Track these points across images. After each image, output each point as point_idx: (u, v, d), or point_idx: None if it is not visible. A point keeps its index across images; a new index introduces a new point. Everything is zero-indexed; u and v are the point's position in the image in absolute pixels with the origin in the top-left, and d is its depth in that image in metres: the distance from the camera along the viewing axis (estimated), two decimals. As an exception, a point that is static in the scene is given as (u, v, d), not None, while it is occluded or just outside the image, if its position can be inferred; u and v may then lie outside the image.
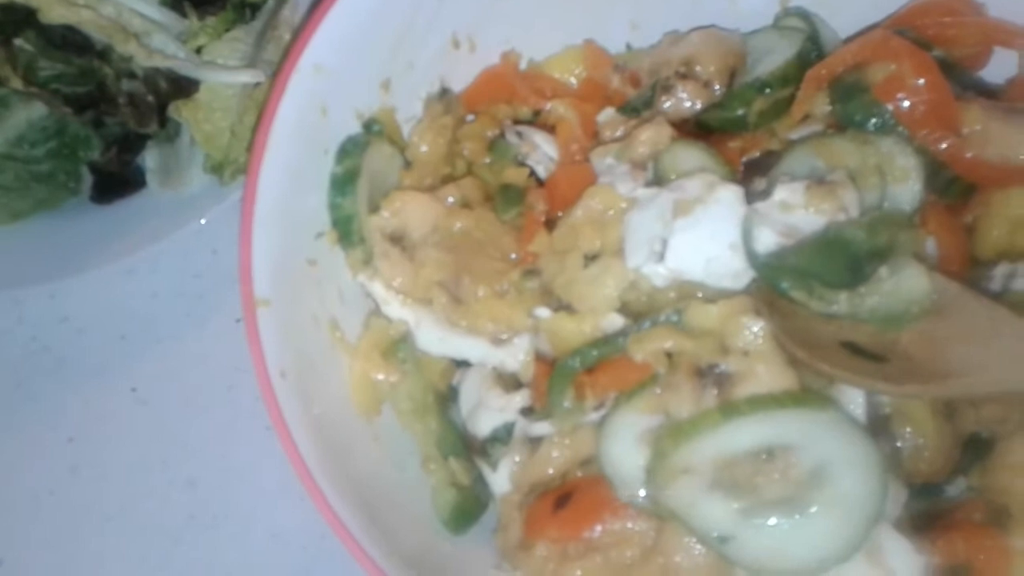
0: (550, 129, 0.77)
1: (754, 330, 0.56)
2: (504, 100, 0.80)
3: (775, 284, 0.57)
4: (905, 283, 0.56)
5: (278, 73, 0.64)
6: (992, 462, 0.62)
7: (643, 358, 0.58)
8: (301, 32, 0.64)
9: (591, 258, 0.63)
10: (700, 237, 0.59)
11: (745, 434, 0.54)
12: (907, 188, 0.61)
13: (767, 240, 0.58)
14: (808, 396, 0.54)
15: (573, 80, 0.81)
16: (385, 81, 0.73)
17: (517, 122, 0.79)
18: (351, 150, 0.69)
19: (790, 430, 0.53)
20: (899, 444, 0.59)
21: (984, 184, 0.67)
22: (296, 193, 0.65)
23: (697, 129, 0.75)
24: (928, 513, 0.62)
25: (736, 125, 0.74)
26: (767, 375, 0.54)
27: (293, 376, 0.58)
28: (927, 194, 0.64)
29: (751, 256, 0.57)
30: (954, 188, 0.68)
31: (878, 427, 0.58)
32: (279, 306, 0.59)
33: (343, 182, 0.67)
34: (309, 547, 0.84)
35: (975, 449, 0.63)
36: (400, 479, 0.64)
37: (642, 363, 0.58)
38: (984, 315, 0.56)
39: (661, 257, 0.59)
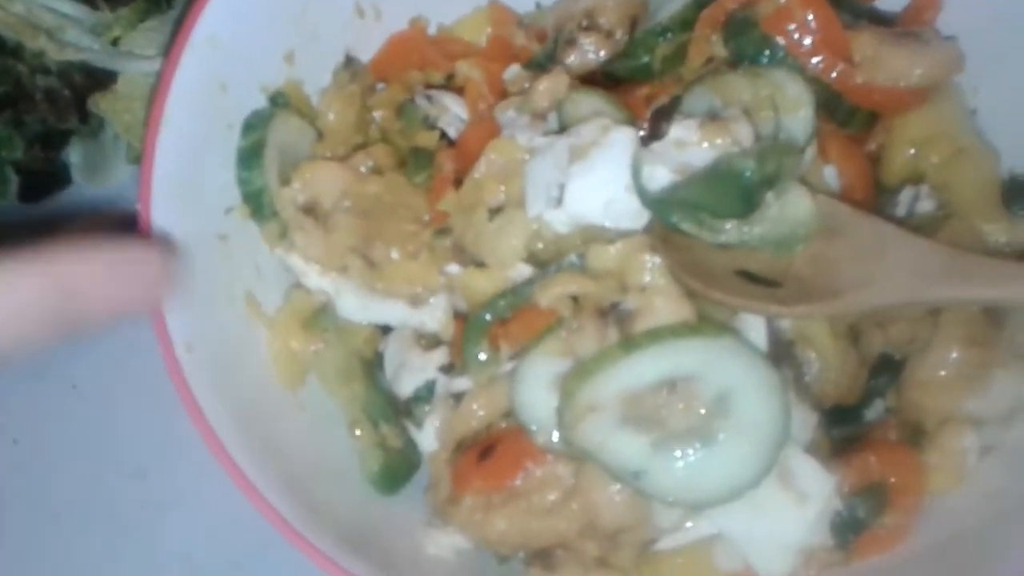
0: (460, 91, 0.77)
1: (650, 266, 0.57)
2: (414, 66, 0.80)
3: (665, 219, 0.58)
4: (790, 207, 0.57)
5: (170, 48, 0.64)
6: (903, 381, 0.63)
7: (548, 304, 0.58)
8: (192, 5, 0.64)
9: (496, 211, 0.63)
10: (596, 180, 0.60)
11: (645, 367, 0.55)
12: (799, 117, 0.62)
13: (661, 177, 0.59)
14: (703, 325, 0.55)
15: (482, 42, 0.81)
16: (288, 53, 0.73)
17: (429, 87, 0.79)
18: (256, 124, 0.69)
19: (689, 360, 0.54)
20: (803, 368, 0.60)
21: (881, 109, 0.69)
22: (199, 169, 0.65)
23: (606, 80, 0.76)
24: (849, 436, 0.64)
25: (642, 73, 0.74)
26: (664, 309, 0.55)
27: (203, 351, 0.59)
28: (822, 123, 0.64)
29: (641, 193, 0.58)
30: (855, 118, 0.69)
31: (781, 353, 0.59)
32: (185, 282, 0.59)
33: (249, 156, 0.68)
34: (263, 529, 0.84)
35: (888, 369, 0.64)
36: (328, 446, 0.65)
37: (548, 309, 0.59)
38: (871, 233, 0.57)
39: (560, 203, 0.60)
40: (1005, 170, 0.69)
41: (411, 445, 0.67)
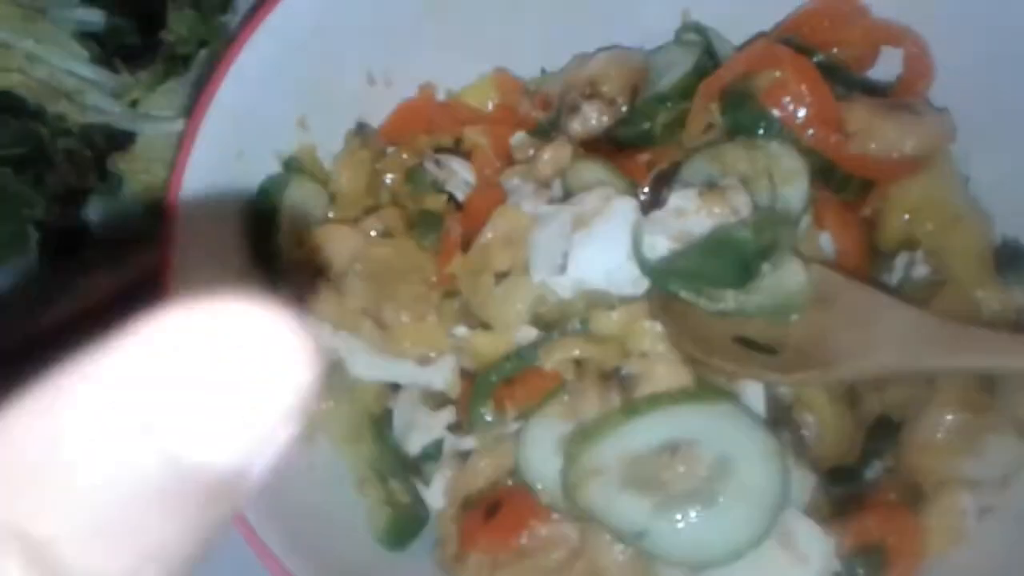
0: (467, 156, 0.80)
1: (650, 333, 0.59)
2: (423, 131, 0.82)
3: (665, 287, 0.60)
4: (785, 277, 0.59)
5: (190, 118, 0.66)
6: (901, 443, 0.64)
7: (552, 367, 0.60)
8: (211, 76, 0.67)
9: (502, 275, 0.65)
10: (599, 248, 0.62)
11: (646, 431, 0.56)
12: (795, 188, 0.64)
13: (661, 246, 0.61)
14: (702, 391, 0.57)
15: (488, 108, 0.84)
16: (302, 119, 0.76)
17: (438, 151, 0.82)
18: (270, 189, 0.71)
19: (688, 425, 0.56)
20: (802, 431, 0.61)
21: (874, 178, 0.71)
22: (215, 234, 0.67)
23: (609, 145, 0.78)
24: (848, 497, 0.65)
25: (643, 139, 0.77)
26: (664, 374, 0.57)
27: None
28: (817, 191, 0.67)
29: (641, 262, 0.60)
30: (850, 186, 0.72)
31: (779, 417, 0.60)
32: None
33: (262, 221, 0.70)
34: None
35: (886, 431, 0.66)
36: (336, 504, 0.67)
37: (552, 372, 0.60)
38: (864, 301, 0.59)
39: (563, 270, 0.62)
40: (998, 236, 0.71)
41: (419, 502, 0.68)
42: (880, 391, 0.63)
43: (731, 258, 0.59)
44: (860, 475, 0.65)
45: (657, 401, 0.56)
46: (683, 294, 0.59)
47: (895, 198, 0.71)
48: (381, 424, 0.71)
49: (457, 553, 0.63)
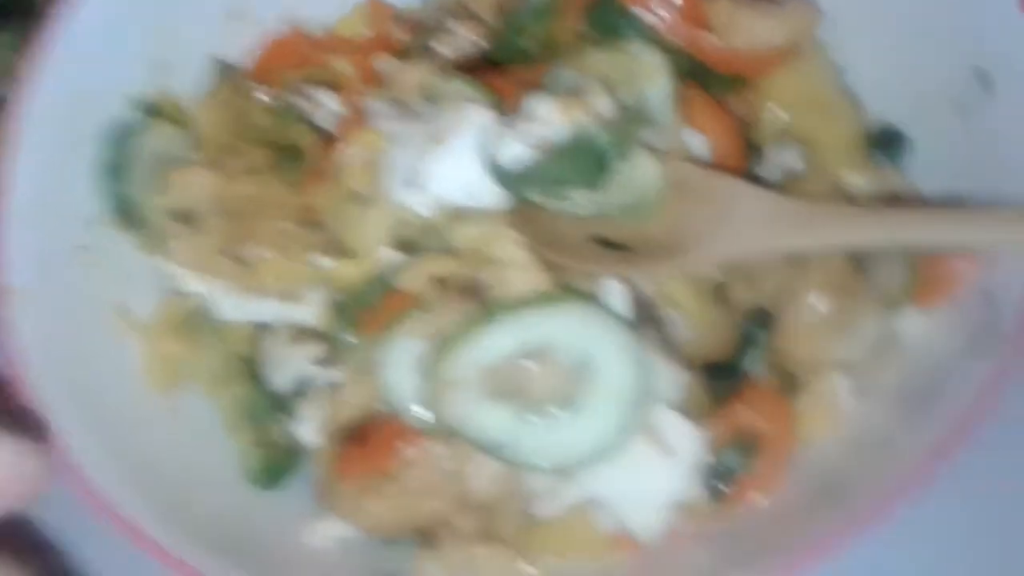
0: (343, 86, 0.77)
1: (509, 242, 0.57)
2: (294, 67, 0.80)
3: (519, 194, 0.58)
4: (638, 173, 0.58)
5: (28, 62, 0.63)
6: (776, 332, 0.63)
7: (412, 287, 0.58)
8: (51, 17, 0.64)
9: (362, 200, 0.63)
10: (455, 163, 0.60)
11: (501, 338, 0.55)
12: (657, 86, 0.62)
13: (519, 155, 0.59)
14: (556, 293, 0.56)
15: (361, 38, 0.81)
16: (158, 61, 0.72)
17: (309, 85, 0.79)
18: (124, 134, 0.69)
19: (544, 328, 0.55)
20: (670, 328, 0.60)
21: (743, 73, 0.69)
22: (61, 183, 0.64)
23: (484, 65, 0.76)
24: (731, 390, 0.64)
25: (519, 56, 0.74)
26: (519, 280, 0.56)
27: (62, 361, 0.58)
28: (688, 90, 0.65)
29: (494, 171, 0.58)
30: (721, 83, 0.70)
31: (645, 315, 0.59)
32: (40, 295, 0.59)
33: (115, 168, 0.67)
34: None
35: (761, 322, 0.64)
36: (203, 450, 0.65)
37: (413, 292, 0.59)
38: (723, 190, 0.58)
39: (421, 188, 0.60)
40: (873, 121, 0.70)
41: (293, 440, 0.67)
42: (750, 281, 0.62)
43: (586, 159, 0.57)
44: (739, 368, 0.64)
45: (509, 306, 0.55)
46: (538, 199, 0.57)
47: (766, 91, 0.70)
48: (254, 367, 0.68)
49: (331, 485, 0.61)
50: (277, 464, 0.65)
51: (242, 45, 0.79)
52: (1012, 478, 0.63)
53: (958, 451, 0.50)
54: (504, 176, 0.58)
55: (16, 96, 0.64)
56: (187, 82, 0.75)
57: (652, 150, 0.59)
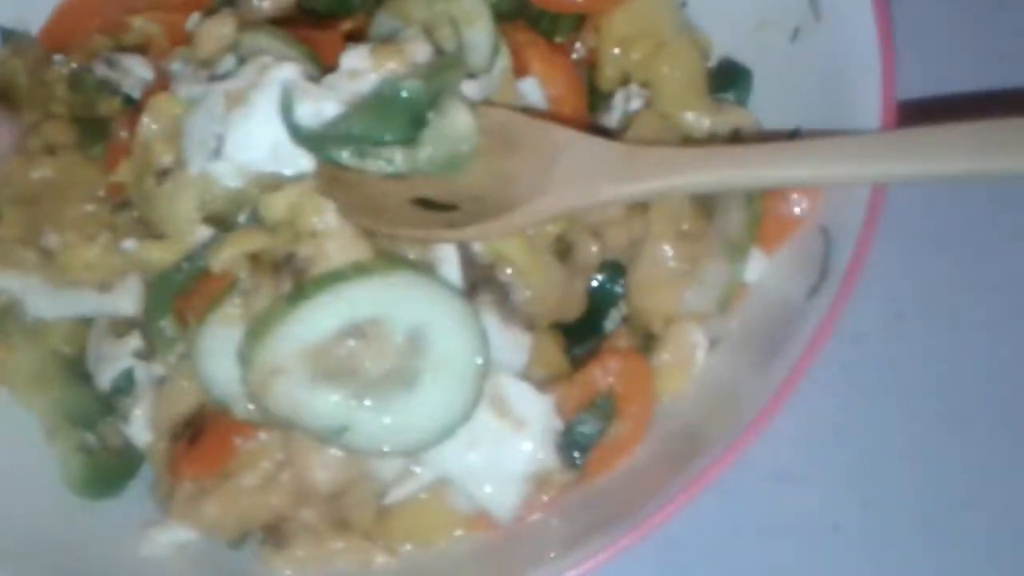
0: (148, 49, 0.70)
1: (322, 210, 0.52)
2: (95, 30, 0.72)
3: (323, 155, 0.53)
4: (451, 122, 0.53)
5: None
6: (628, 286, 0.61)
7: (222, 267, 0.53)
8: None
9: (165, 174, 0.57)
10: (258, 124, 0.54)
11: (320, 317, 0.50)
12: (479, 30, 0.58)
13: (329, 112, 0.54)
14: (376, 263, 0.51)
15: (170, -7, 0.74)
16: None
17: (117, 51, 0.72)
18: None
19: (366, 302, 0.51)
20: (509, 290, 0.56)
21: (580, 11, 0.66)
22: None
23: (308, 18, 0.70)
24: (592, 351, 0.61)
25: (342, 7, 0.69)
26: (338, 251, 0.51)
27: None
28: (522, 33, 0.62)
29: (292, 131, 0.53)
30: (557, 24, 0.67)
31: (479, 278, 0.55)
32: None
33: None
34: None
35: (614, 276, 0.61)
36: (18, 461, 0.59)
37: (224, 273, 0.53)
38: (547, 139, 0.54)
39: (218, 154, 0.54)
40: (716, 57, 0.67)
41: (129, 444, 0.61)
42: (597, 234, 0.59)
43: (395, 112, 0.53)
44: (598, 328, 0.61)
45: (325, 281, 0.50)
46: (345, 160, 0.52)
47: (605, 32, 0.66)
48: (74, 365, 0.62)
49: (167, 487, 0.56)
50: (106, 471, 0.60)
51: (37, 11, 0.71)
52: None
53: (794, 392, 0.48)
54: (306, 136, 0.53)
55: None
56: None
57: (466, 99, 0.54)
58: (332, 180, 0.53)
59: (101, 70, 0.69)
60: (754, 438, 0.49)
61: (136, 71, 0.69)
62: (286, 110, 0.53)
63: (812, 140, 0.51)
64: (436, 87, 0.53)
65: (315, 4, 0.70)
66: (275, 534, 0.57)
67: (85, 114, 0.68)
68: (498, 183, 0.53)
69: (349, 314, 0.50)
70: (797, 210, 0.57)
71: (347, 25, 0.69)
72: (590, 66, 0.68)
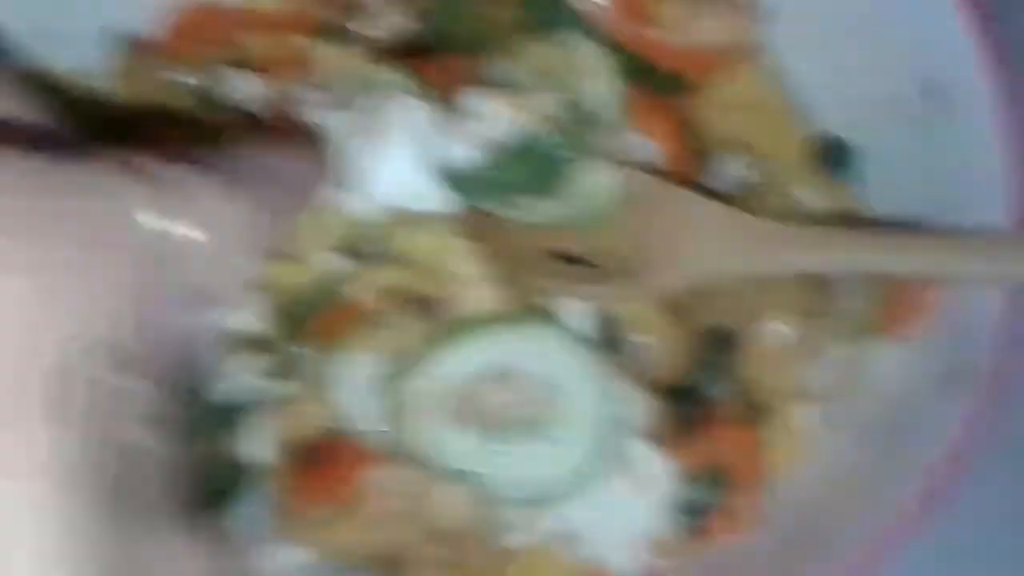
0: (257, 68, 0.72)
1: (464, 253, 0.53)
2: (209, 43, 0.74)
3: (471, 200, 0.55)
4: (595, 180, 0.55)
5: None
6: (741, 357, 0.62)
7: (362, 298, 0.55)
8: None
9: (304, 201, 0.58)
10: (395, 162, 0.56)
11: (464, 360, 0.52)
12: (602, 85, 0.60)
13: (462, 155, 0.55)
14: (520, 313, 0.53)
15: (279, 13, 0.76)
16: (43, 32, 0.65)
17: (227, 65, 0.73)
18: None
19: (509, 350, 0.52)
20: (634, 351, 0.58)
21: (689, 74, 0.67)
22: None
23: (410, 52, 0.72)
24: (692, 418, 0.62)
25: (449, 43, 0.71)
26: (479, 297, 0.53)
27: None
28: (633, 91, 0.63)
29: (442, 175, 0.54)
30: (667, 84, 0.68)
31: (609, 336, 0.57)
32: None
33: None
34: None
35: (725, 344, 0.63)
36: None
37: (361, 303, 0.55)
38: (685, 205, 0.56)
39: (361, 189, 0.56)
40: (819, 132, 0.69)
41: (237, 460, 0.62)
42: (713, 302, 0.60)
43: (536, 163, 0.54)
44: (704, 394, 0.62)
45: (472, 326, 0.52)
46: (489, 206, 0.54)
47: (712, 96, 0.68)
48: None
49: (291, 508, 0.57)
50: (218, 487, 0.60)
51: (145, 18, 0.72)
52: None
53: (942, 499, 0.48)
54: (453, 179, 0.55)
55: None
56: (78, 57, 0.68)
57: (609, 157, 0.56)
58: (474, 224, 0.54)
59: (218, 83, 0.70)
60: (892, 544, 0.48)
61: (251, 88, 0.70)
62: (425, 149, 0.54)
63: (947, 234, 0.52)
64: (575, 142, 0.54)
65: (419, 39, 0.72)
66: (392, 566, 0.57)
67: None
68: (637, 244, 0.54)
69: (490, 360, 0.52)
70: (928, 299, 0.58)
71: (452, 62, 0.71)
72: (696, 129, 0.70)
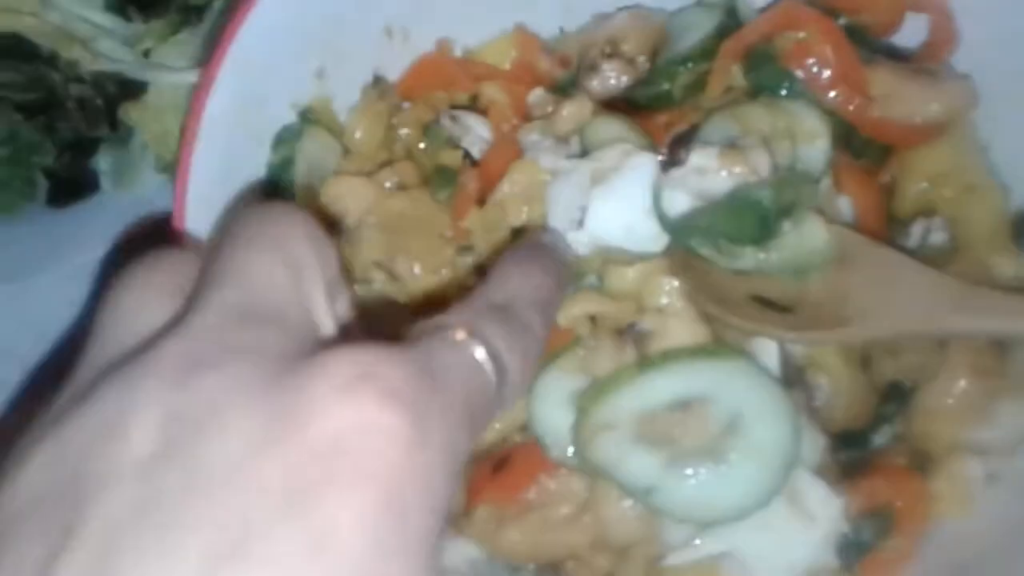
0: (484, 113, 0.79)
1: (668, 289, 0.58)
2: (440, 87, 0.82)
3: (684, 243, 0.60)
4: (806, 235, 0.59)
5: (206, 66, 0.66)
6: (912, 409, 0.64)
7: (567, 323, 0.60)
8: (227, 24, 0.66)
9: (518, 231, 0.65)
10: (617, 204, 0.61)
11: (660, 387, 0.56)
12: (816, 148, 0.64)
13: (680, 203, 0.61)
14: (718, 348, 0.57)
15: (506, 65, 0.83)
16: (319, 70, 0.75)
17: (453, 108, 0.81)
18: (286, 138, 0.71)
19: (702, 381, 0.56)
20: (814, 393, 0.61)
21: (895, 143, 0.70)
22: (231, 184, 0.67)
23: (627, 106, 0.77)
24: (857, 460, 0.65)
25: (662, 100, 0.76)
26: (680, 330, 0.57)
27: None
28: (838, 154, 0.66)
29: (661, 218, 0.60)
30: (871, 150, 0.71)
31: (793, 377, 0.60)
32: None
33: (279, 169, 0.70)
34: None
35: (898, 397, 0.65)
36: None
37: (567, 328, 0.60)
38: (883, 263, 0.59)
39: (581, 225, 0.62)
40: (1016, 206, 0.71)
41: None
42: (893, 355, 0.63)
43: (751, 216, 0.58)
44: (869, 440, 0.65)
45: (671, 357, 0.56)
46: (702, 251, 0.59)
47: (914, 164, 0.71)
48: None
49: (464, 507, 0.63)
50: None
51: (395, 62, 0.81)
52: None
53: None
54: (670, 223, 0.60)
55: (194, 97, 0.66)
56: (343, 94, 0.77)
57: (822, 216, 0.60)
58: (681, 264, 0.59)
59: (446, 123, 0.78)
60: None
61: (476, 129, 0.78)
62: (656, 197, 0.60)
63: None
64: (787, 199, 0.59)
65: (636, 95, 0.77)
66: (556, 571, 0.62)
67: (428, 160, 0.77)
68: (833, 295, 0.58)
69: (685, 389, 0.56)
70: None
71: (664, 118, 0.77)
72: (890, 193, 0.73)
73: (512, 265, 0.49)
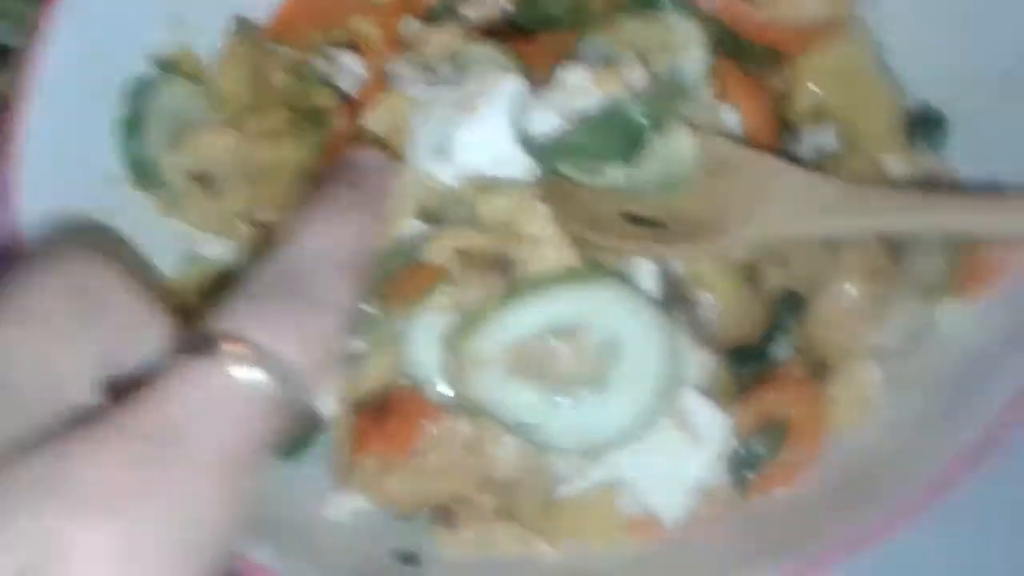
0: (359, 49, 0.75)
1: (538, 216, 0.55)
2: (313, 26, 0.77)
3: (551, 165, 0.57)
4: (673, 147, 0.56)
5: (40, 17, 0.61)
6: (807, 318, 0.62)
7: (437, 259, 0.57)
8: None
9: (387, 167, 0.61)
10: (484, 131, 0.58)
11: (528, 315, 0.54)
12: (692, 58, 0.61)
13: (550, 125, 0.57)
14: (585, 271, 0.54)
15: (383, -2, 0.79)
16: (175, 15, 0.70)
17: (329, 46, 0.77)
18: (139, 91, 0.67)
19: (572, 306, 0.54)
20: (699, 310, 0.59)
21: (781, 47, 0.67)
22: (77, 143, 0.63)
23: (513, 31, 0.74)
24: (757, 375, 0.63)
25: (546, 23, 0.72)
26: (549, 256, 0.54)
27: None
28: (722, 63, 0.63)
29: (523, 141, 0.56)
30: (757, 56, 0.68)
31: (675, 295, 0.58)
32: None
33: (131, 125, 0.66)
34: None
35: (793, 306, 0.63)
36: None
37: (437, 264, 0.57)
38: (760, 169, 0.56)
39: (447, 156, 0.58)
40: (911, 102, 0.68)
41: (314, 411, 0.65)
42: (782, 264, 0.61)
43: (620, 132, 0.56)
44: (766, 353, 0.63)
45: (538, 282, 0.53)
46: (567, 171, 0.56)
47: (804, 68, 0.68)
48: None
49: (350, 459, 0.60)
50: (297, 434, 0.64)
51: (261, 2, 0.77)
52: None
53: (994, 454, 0.48)
54: (536, 147, 0.57)
55: (31, 50, 0.62)
56: (204, 39, 0.73)
57: (688, 125, 0.57)
58: (550, 188, 0.56)
59: (319, 63, 0.74)
60: (937, 496, 0.49)
61: (350, 67, 0.74)
62: (517, 120, 0.56)
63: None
64: (659, 111, 0.56)
65: (518, 19, 0.73)
66: (446, 514, 0.60)
67: (300, 103, 0.73)
68: (708, 207, 0.55)
69: (555, 316, 0.53)
70: (1001, 260, 0.57)
71: (549, 41, 0.73)
72: (781, 99, 0.70)
73: (308, 213, 0.46)
